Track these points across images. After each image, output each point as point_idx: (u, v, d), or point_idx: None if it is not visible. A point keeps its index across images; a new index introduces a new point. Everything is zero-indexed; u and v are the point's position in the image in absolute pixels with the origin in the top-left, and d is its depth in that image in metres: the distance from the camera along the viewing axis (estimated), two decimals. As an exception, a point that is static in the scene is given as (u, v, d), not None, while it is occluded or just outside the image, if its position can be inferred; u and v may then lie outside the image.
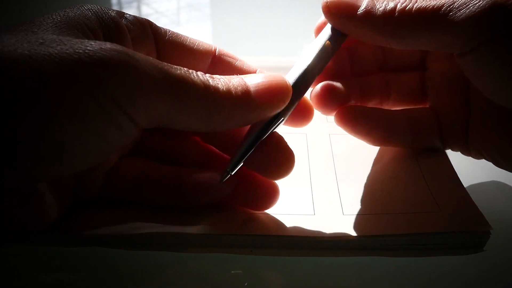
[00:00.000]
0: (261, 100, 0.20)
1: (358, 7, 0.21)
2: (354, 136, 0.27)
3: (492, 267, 0.22)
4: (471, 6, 0.18)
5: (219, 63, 0.25)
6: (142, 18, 0.23)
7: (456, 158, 0.27)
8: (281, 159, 0.22)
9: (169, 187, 0.23)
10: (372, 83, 0.27)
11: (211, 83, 0.19)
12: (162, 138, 0.25)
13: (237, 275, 0.22)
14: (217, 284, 0.22)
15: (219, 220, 0.22)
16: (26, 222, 0.19)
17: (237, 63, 0.25)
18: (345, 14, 0.22)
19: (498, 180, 0.27)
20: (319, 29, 0.25)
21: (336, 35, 0.23)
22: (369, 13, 0.21)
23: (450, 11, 0.19)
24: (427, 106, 0.27)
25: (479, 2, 0.18)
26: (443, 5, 0.19)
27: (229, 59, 0.25)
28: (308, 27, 0.50)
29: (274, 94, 0.20)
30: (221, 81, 0.20)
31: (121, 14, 0.22)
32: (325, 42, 0.23)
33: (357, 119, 0.26)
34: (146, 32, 0.23)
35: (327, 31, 0.23)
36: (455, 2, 0.19)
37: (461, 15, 0.18)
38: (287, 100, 0.21)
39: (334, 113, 0.26)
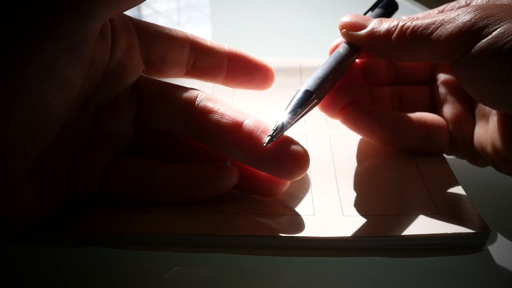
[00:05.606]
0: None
1: (366, 26, 0.25)
2: (358, 133, 0.27)
3: (492, 267, 0.22)
4: (456, 21, 0.22)
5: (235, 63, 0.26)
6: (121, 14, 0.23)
7: (453, 160, 0.27)
8: (294, 159, 0.22)
9: (169, 183, 0.23)
10: (384, 93, 0.28)
11: None
12: (160, 135, 0.25)
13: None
14: (218, 284, 0.22)
15: (219, 220, 0.22)
16: (9, 217, 0.19)
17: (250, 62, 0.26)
18: (356, 31, 0.25)
19: (496, 181, 0.27)
20: (333, 50, 0.28)
21: (351, 49, 0.26)
22: (375, 30, 0.24)
23: (441, 24, 0.22)
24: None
25: (463, 16, 0.21)
26: (435, 22, 0.22)
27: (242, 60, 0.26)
28: (308, 28, 0.50)
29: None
30: None
31: None
32: (343, 54, 0.25)
33: (360, 116, 0.26)
34: (126, 22, 0.23)
35: (344, 45, 0.26)
36: (444, 18, 0.22)
37: (449, 28, 0.22)
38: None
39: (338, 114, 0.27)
